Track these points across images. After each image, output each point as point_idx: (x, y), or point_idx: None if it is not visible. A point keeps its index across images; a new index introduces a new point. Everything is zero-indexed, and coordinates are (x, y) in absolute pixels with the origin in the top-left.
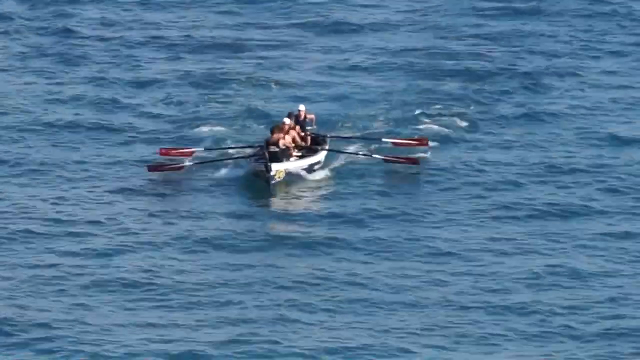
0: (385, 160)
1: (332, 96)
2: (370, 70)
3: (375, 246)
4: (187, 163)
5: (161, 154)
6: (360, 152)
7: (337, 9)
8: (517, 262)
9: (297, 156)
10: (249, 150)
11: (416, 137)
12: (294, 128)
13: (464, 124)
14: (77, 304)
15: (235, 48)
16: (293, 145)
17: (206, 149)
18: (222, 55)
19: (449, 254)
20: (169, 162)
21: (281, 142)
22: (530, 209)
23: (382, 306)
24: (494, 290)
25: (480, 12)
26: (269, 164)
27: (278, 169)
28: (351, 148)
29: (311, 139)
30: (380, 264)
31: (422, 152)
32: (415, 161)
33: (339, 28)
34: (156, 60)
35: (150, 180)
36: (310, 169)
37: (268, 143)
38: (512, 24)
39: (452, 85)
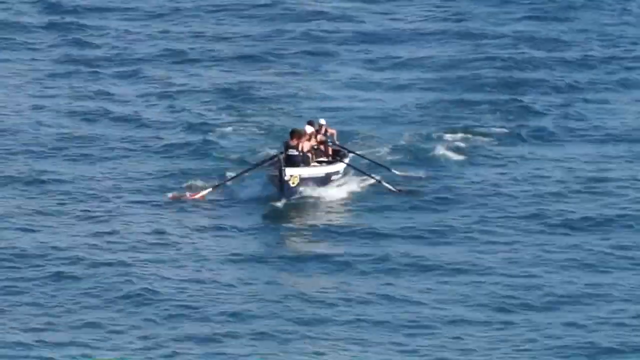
0: (388, 190)
1: (358, 110)
2: (398, 83)
3: (393, 263)
4: (206, 192)
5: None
6: (372, 176)
7: (363, 20)
8: (555, 278)
9: (315, 164)
10: (267, 162)
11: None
12: (315, 136)
13: (491, 137)
14: (100, 318)
15: (258, 60)
16: (313, 152)
17: (220, 184)
18: (245, 68)
19: (471, 271)
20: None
21: (300, 146)
22: (562, 225)
23: (404, 324)
24: (524, 306)
25: (511, 20)
26: (283, 167)
27: (293, 174)
28: (367, 168)
29: (333, 152)
30: (400, 280)
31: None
32: (416, 193)
33: (365, 39)
34: (180, 73)
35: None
36: (327, 179)
37: (287, 146)
38: (544, 32)
39: (481, 97)
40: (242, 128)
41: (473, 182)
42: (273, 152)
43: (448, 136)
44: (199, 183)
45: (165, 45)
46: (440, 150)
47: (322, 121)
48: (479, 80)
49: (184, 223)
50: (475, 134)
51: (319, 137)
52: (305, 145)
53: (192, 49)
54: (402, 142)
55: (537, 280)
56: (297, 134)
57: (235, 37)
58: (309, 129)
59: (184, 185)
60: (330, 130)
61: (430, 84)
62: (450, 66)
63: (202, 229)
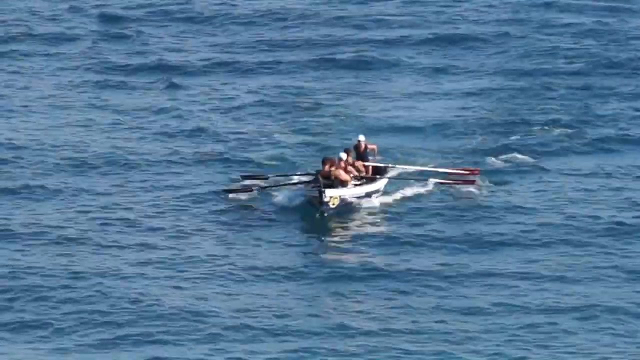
0: (441, 183)
1: (410, 120)
2: (453, 92)
3: (433, 276)
4: (255, 189)
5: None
6: (416, 178)
7: (418, 26)
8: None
9: (354, 184)
10: (306, 178)
11: (468, 167)
12: (352, 164)
13: (546, 149)
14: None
15: (309, 69)
16: (350, 178)
17: (270, 177)
18: (294, 77)
19: (525, 278)
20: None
21: (334, 173)
22: (617, 235)
23: (448, 337)
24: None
25: (574, 24)
26: (322, 189)
27: (332, 195)
28: (411, 177)
29: (373, 169)
30: (439, 293)
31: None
32: (471, 181)
33: (419, 48)
34: (226, 84)
35: (206, 206)
36: (368, 197)
37: (321, 175)
38: (611, 40)
39: (538, 106)
40: (290, 139)
41: (527, 192)
42: (313, 171)
43: (505, 144)
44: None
45: (212, 55)
46: (496, 159)
47: (362, 137)
48: (536, 88)
49: (220, 234)
50: (523, 147)
51: (358, 163)
52: (339, 174)
53: (239, 58)
54: (455, 153)
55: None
56: (329, 162)
57: (285, 46)
58: (344, 157)
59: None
60: (371, 146)
61: (486, 92)
62: (507, 74)
63: (237, 240)
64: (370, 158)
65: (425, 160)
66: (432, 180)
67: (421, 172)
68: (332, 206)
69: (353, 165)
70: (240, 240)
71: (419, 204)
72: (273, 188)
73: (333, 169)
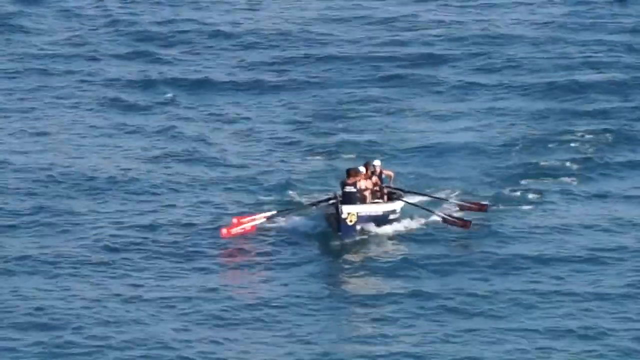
0: (444, 220)
1: (438, 141)
2: (478, 114)
3: (454, 300)
4: (259, 220)
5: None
6: (433, 211)
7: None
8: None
9: (372, 202)
10: (323, 202)
11: (476, 202)
12: (370, 178)
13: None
14: None
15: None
16: (370, 191)
17: (279, 212)
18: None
19: (535, 308)
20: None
21: (359, 184)
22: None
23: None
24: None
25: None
26: (340, 205)
27: (350, 211)
28: (428, 205)
29: (388, 194)
30: (455, 321)
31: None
32: (465, 224)
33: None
34: (249, 106)
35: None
36: (384, 218)
37: (344, 184)
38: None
39: (574, 124)
40: (314, 160)
41: (542, 218)
42: (331, 193)
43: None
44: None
45: (238, 73)
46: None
47: (377, 162)
48: (569, 104)
49: (237, 258)
50: (553, 172)
51: (374, 178)
52: (362, 184)
53: (262, 76)
54: (476, 180)
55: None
56: (353, 172)
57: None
58: (363, 170)
59: (235, 218)
60: (387, 172)
61: (518, 112)
62: (541, 93)
63: (255, 265)
64: (385, 184)
65: (445, 185)
66: (439, 214)
67: (431, 203)
68: (349, 223)
69: (370, 178)
70: (259, 267)
71: (435, 228)
72: (292, 214)
73: (358, 179)
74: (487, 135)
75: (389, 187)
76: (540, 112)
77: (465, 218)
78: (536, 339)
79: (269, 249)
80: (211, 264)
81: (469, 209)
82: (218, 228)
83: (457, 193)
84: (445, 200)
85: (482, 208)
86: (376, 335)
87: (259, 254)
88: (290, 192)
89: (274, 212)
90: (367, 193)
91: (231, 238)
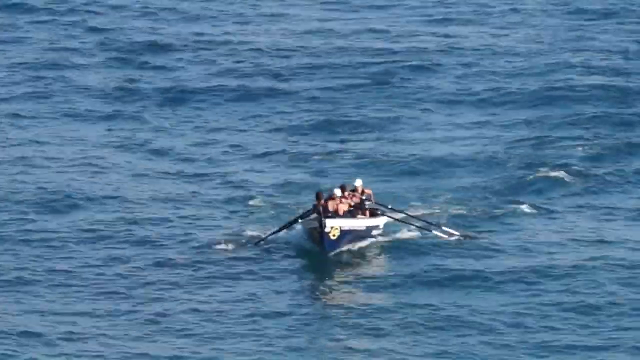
0: (438, 236)
1: (421, 162)
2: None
3: (437, 316)
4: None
5: None
6: (417, 224)
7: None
8: None
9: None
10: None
11: (461, 231)
12: (351, 198)
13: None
14: None
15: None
16: (348, 214)
17: (262, 239)
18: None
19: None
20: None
21: (332, 206)
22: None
23: None
24: None
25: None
26: (324, 219)
27: (333, 225)
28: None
29: (370, 212)
30: (444, 333)
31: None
32: (467, 236)
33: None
34: (244, 118)
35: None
36: (367, 233)
37: (323, 209)
38: None
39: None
40: (300, 173)
41: (539, 231)
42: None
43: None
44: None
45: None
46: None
47: (358, 182)
48: (557, 115)
49: (219, 275)
50: (547, 184)
51: (354, 199)
52: (339, 208)
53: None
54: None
55: None
56: (321, 195)
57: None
58: (338, 193)
59: (221, 243)
60: (367, 191)
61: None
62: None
63: (239, 283)
64: (367, 203)
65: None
66: (434, 232)
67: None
68: (332, 237)
69: (350, 199)
70: (242, 285)
71: (419, 243)
72: (275, 234)
73: (330, 202)
74: (478, 146)
75: (374, 202)
76: (532, 122)
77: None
78: (527, 353)
79: (252, 265)
80: (192, 280)
81: (451, 235)
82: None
83: (443, 212)
84: (431, 224)
85: (466, 238)
86: (360, 349)
87: (243, 270)
88: (272, 209)
89: (257, 241)
90: (347, 213)
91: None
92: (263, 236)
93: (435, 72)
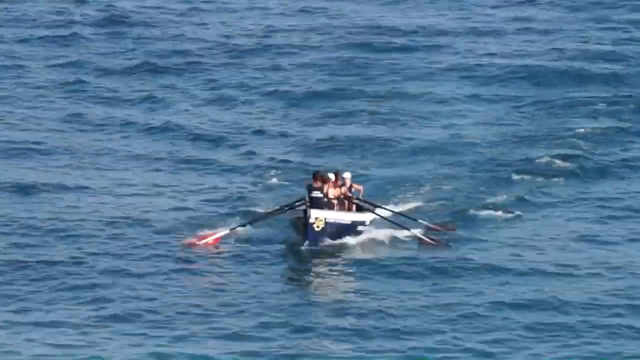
0: (419, 241)
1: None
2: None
3: (417, 313)
4: (222, 233)
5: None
6: (403, 226)
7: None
8: None
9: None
10: (287, 207)
11: (443, 223)
12: (340, 187)
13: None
14: None
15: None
16: (337, 200)
17: (244, 224)
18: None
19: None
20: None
21: (325, 188)
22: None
23: None
24: None
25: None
26: (309, 209)
27: (318, 216)
28: (398, 220)
29: (357, 208)
30: (424, 335)
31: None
32: (440, 243)
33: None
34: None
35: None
36: (353, 228)
37: (310, 188)
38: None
39: (557, 126)
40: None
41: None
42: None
43: (508, 182)
44: (217, 226)
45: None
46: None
47: (347, 175)
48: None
49: (200, 268)
50: (536, 178)
51: (343, 189)
52: (330, 192)
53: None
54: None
55: None
56: (319, 176)
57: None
58: (332, 177)
59: (199, 232)
60: (356, 187)
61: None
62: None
63: (220, 274)
64: (356, 198)
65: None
66: (415, 233)
67: (398, 218)
68: (317, 228)
69: (340, 187)
70: (223, 277)
71: (404, 241)
72: (258, 223)
73: (325, 185)
74: (466, 136)
75: (359, 199)
76: (524, 111)
77: (439, 238)
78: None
79: (233, 258)
80: (174, 272)
81: (437, 230)
82: (183, 238)
83: (427, 205)
84: (414, 220)
85: (449, 229)
86: (342, 340)
87: (224, 264)
88: (257, 199)
89: (239, 224)
90: (335, 202)
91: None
92: (246, 221)
93: (420, 57)
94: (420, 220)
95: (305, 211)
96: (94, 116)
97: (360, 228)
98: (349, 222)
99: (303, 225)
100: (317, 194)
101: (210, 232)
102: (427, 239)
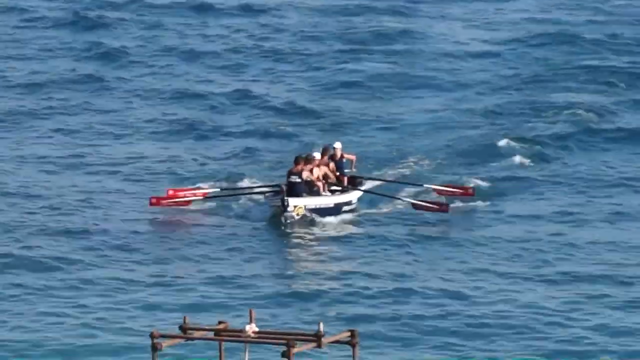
0: (414, 206)
1: (395, 122)
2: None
3: (404, 288)
4: (195, 198)
5: (168, 197)
6: (390, 195)
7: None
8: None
9: (327, 193)
10: (267, 189)
11: (460, 185)
12: (327, 164)
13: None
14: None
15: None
16: (322, 181)
17: (222, 189)
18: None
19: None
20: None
21: (304, 174)
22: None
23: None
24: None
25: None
26: (286, 198)
27: (297, 204)
28: (389, 191)
29: (348, 180)
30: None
31: (465, 201)
32: (444, 209)
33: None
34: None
35: (154, 215)
36: (337, 210)
37: (289, 173)
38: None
39: (547, 103)
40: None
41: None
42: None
43: (496, 154)
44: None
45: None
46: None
47: (338, 145)
48: (542, 80)
49: (163, 247)
50: (523, 151)
51: (332, 164)
52: (314, 172)
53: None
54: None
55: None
56: (301, 159)
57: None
58: (318, 156)
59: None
60: (348, 156)
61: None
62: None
63: (197, 245)
64: (346, 170)
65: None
66: (407, 200)
67: (404, 190)
68: (296, 217)
69: (328, 166)
70: (198, 254)
71: (391, 219)
72: (228, 197)
73: (306, 167)
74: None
75: (351, 172)
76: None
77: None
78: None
79: (210, 230)
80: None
81: (452, 194)
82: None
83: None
84: (420, 185)
85: (466, 192)
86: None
87: (201, 236)
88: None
89: (216, 189)
90: (319, 183)
91: (161, 208)
92: (215, 192)
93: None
94: (427, 185)
95: (282, 200)
96: None
97: (346, 208)
98: (332, 205)
99: (282, 213)
100: (294, 179)
101: (182, 192)
102: (424, 204)
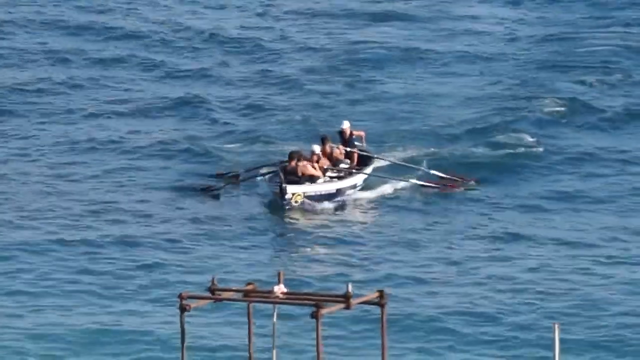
0: (423, 186)
1: (401, 103)
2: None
3: (403, 272)
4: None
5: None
6: (404, 178)
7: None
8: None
9: (329, 177)
10: (268, 169)
11: (465, 177)
12: (329, 154)
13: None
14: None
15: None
16: (318, 173)
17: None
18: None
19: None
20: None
21: (299, 171)
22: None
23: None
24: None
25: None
26: (283, 185)
27: (295, 191)
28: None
29: (358, 158)
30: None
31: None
32: (453, 187)
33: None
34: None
35: (174, 203)
36: (339, 193)
37: (284, 170)
38: None
39: (548, 86)
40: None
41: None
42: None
43: (494, 133)
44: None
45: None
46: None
47: (346, 124)
48: (545, 65)
49: (185, 232)
50: (520, 134)
51: (337, 150)
52: (308, 168)
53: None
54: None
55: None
56: (296, 155)
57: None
58: (317, 149)
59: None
60: (357, 133)
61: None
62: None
63: (200, 238)
64: (357, 145)
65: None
66: (415, 182)
67: (406, 170)
68: (294, 204)
69: (330, 156)
70: (200, 237)
71: (397, 201)
72: (243, 182)
73: (301, 164)
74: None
75: (361, 146)
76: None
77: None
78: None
79: (218, 218)
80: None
81: (455, 182)
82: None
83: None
84: (427, 170)
85: (468, 181)
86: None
87: (201, 224)
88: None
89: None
90: (318, 173)
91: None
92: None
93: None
94: (433, 172)
95: (280, 187)
96: None
97: (349, 192)
98: (334, 191)
99: (281, 200)
100: (291, 178)
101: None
102: (431, 184)
